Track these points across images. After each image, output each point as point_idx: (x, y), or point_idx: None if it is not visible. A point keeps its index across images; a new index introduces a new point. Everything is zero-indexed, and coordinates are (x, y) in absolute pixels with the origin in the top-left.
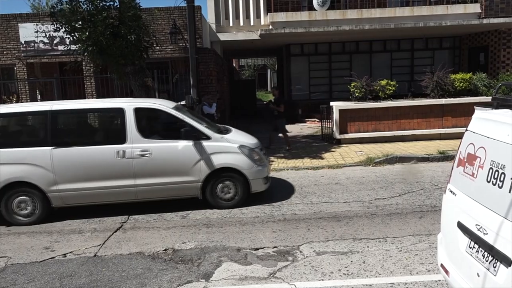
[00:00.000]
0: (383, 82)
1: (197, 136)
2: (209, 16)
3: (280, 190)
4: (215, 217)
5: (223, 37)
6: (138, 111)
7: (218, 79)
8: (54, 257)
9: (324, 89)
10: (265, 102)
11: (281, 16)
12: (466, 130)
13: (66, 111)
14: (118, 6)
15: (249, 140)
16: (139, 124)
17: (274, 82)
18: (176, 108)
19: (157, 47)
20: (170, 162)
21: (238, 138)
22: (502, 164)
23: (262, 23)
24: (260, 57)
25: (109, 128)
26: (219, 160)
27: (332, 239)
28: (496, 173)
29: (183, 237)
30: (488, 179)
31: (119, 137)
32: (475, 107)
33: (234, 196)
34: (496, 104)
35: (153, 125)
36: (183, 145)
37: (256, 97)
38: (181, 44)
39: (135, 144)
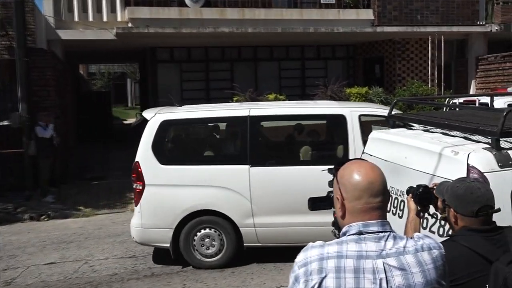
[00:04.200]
0: (271, 96)
1: None
2: (46, 7)
3: None
4: (55, 279)
5: (65, 35)
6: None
7: (59, 90)
8: None
9: (201, 104)
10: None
11: (144, 12)
12: (363, 152)
13: (270, 117)
14: None
15: None
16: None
17: (136, 95)
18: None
19: None
20: None
21: None
22: (401, 191)
23: (119, 19)
24: (117, 63)
25: (323, 142)
26: None
27: None
28: (396, 201)
29: None
30: (388, 209)
31: (338, 155)
32: (372, 126)
33: None
34: (393, 123)
35: None
36: None
37: (112, 114)
38: (3, 43)
39: None
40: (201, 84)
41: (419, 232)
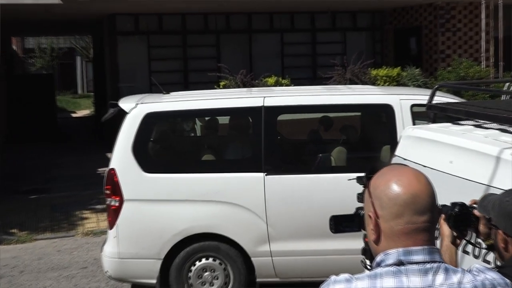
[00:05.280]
0: (271, 80)
1: None
2: None
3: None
4: None
5: None
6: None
7: None
8: None
9: (176, 91)
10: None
11: None
12: (393, 155)
13: (292, 108)
14: None
15: None
16: None
17: (89, 79)
18: None
19: None
20: None
21: None
22: None
23: None
24: (63, 36)
25: (362, 142)
26: None
27: None
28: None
29: None
30: None
31: (384, 158)
32: (416, 120)
33: None
34: (433, 116)
35: None
36: None
37: (56, 105)
38: None
39: None
40: (176, 64)
41: (456, 264)
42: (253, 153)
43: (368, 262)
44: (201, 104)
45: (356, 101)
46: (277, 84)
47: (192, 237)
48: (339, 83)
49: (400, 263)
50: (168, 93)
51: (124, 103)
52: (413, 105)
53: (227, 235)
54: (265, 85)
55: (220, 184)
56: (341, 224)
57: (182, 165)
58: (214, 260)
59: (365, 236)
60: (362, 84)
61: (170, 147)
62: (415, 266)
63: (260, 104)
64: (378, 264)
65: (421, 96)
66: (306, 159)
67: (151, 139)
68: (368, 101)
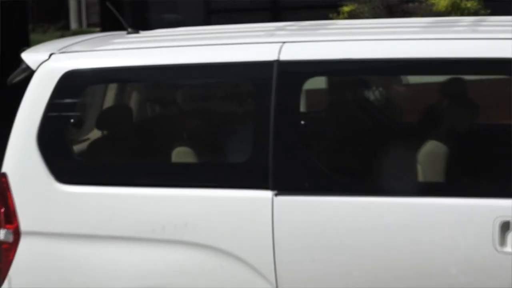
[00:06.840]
0: (444, 1)
1: None
2: None
3: None
4: None
5: None
6: None
7: None
8: None
9: (262, 22)
10: None
11: None
12: None
13: (331, 65)
14: None
15: None
16: None
17: (92, 3)
18: None
19: None
20: None
21: None
22: None
23: None
24: None
25: (478, 133)
26: None
27: None
28: None
29: None
30: None
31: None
32: None
33: None
34: None
35: None
36: None
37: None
38: None
39: None
40: None
41: None
42: (254, 154)
43: None
44: (170, 56)
45: (455, 54)
46: (454, 7)
47: None
48: None
49: None
50: (136, 32)
51: (32, 53)
52: None
53: None
54: (431, 9)
55: (192, 210)
56: None
57: (128, 172)
58: None
59: None
60: None
61: (109, 136)
62: None
63: (272, 58)
64: None
65: None
66: (360, 166)
67: (73, 120)
68: (481, 54)
